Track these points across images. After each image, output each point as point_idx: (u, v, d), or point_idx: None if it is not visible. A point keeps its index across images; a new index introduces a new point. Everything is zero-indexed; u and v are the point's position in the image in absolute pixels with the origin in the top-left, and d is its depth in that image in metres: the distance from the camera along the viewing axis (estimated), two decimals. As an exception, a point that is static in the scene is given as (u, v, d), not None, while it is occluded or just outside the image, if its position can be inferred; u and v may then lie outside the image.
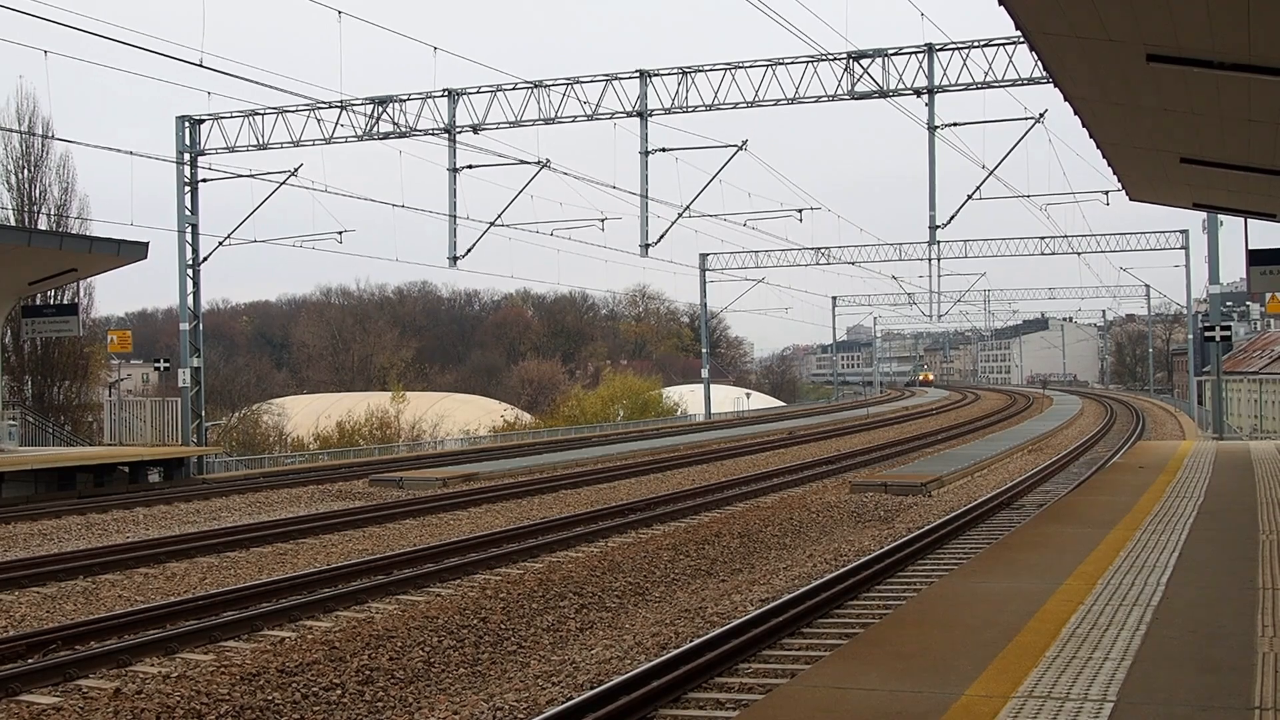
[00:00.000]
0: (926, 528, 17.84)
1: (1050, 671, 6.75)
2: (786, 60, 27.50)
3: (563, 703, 8.99)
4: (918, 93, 26.77)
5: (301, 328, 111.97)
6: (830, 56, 26.98)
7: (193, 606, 12.46)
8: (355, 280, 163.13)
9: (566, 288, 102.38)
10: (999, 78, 26.00)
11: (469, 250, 31.95)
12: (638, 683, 9.13)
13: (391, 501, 23.01)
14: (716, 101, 28.10)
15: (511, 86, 29.13)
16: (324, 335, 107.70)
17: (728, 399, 78.14)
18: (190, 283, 31.45)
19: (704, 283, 64.86)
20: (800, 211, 38.58)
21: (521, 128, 29.34)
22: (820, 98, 27.44)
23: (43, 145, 41.94)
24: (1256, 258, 24.11)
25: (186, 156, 31.13)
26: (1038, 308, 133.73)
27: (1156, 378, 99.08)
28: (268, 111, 30.39)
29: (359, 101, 29.90)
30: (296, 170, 30.00)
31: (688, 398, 75.52)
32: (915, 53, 26.73)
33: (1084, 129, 14.86)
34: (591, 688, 9.45)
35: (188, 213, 31.13)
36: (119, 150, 32.73)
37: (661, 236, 31.43)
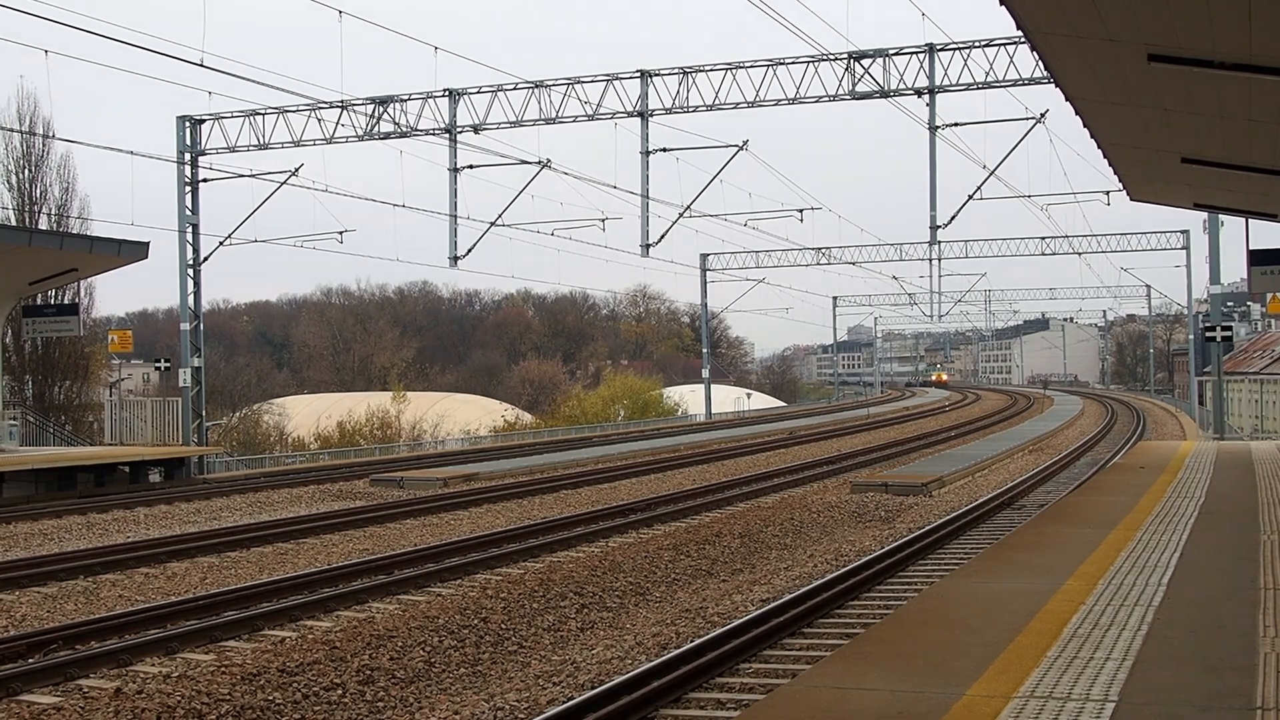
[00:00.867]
0: (927, 528, 17.83)
1: (1052, 672, 6.74)
2: (787, 60, 27.49)
3: (563, 703, 8.98)
4: (919, 93, 26.76)
5: (302, 328, 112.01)
6: (831, 56, 26.98)
7: (193, 606, 12.46)
8: (356, 280, 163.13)
9: (567, 288, 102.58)
10: (1000, 78, 25.99)
11: (470, 250, 31.95)
12: (638, 683, 9.13)
13: (392, 501, 23.00)
14: (717, 101, 28.09)
15: (512, 86, 29.12)
16: (324, 335, 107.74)
17: (728, 399, 78.13)
18: (191, 282, 31.45)
19: (704, 283, 64.84)
20: (801, 211, 38.53)
21: (522, 128, 29.35)
22: (821, 98, 27.43)
23: (43, 145, 41.95)
24: (1257, 258, 24.10)
25: (187, 156, 31.13)
26: (1038, 308, 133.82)
27: (1157, 378, 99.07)
28: (268, 111, 30.39)
29: (360, 101, 29.91)
30: (297, 170, 30.01)
31: (688, 398, 75.50)
32: (916, 53, 26.72)
33: (1085, 129, 14.85)
34: (592, 688, 9.45)
35: (188, 212, 31.13)
36: (120, 150, 32.76)
37: (662, 236, 31.43)
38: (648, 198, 30.33)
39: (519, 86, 29.09)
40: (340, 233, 31.91)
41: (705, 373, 65.30)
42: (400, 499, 23.58)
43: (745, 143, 30.73)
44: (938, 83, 26.48)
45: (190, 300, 31.47)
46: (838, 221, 50.84)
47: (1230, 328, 41.67)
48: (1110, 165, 18.35)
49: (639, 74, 28.61)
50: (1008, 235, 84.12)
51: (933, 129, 27.15)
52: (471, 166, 30.93)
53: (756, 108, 28.01)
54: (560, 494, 24.24)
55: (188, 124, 31.21)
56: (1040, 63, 15.01)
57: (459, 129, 29.72)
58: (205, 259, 31.67)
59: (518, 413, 70.97)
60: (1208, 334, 36.32)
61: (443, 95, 29.55)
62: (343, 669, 10.20)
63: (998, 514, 20.04)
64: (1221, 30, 9.65)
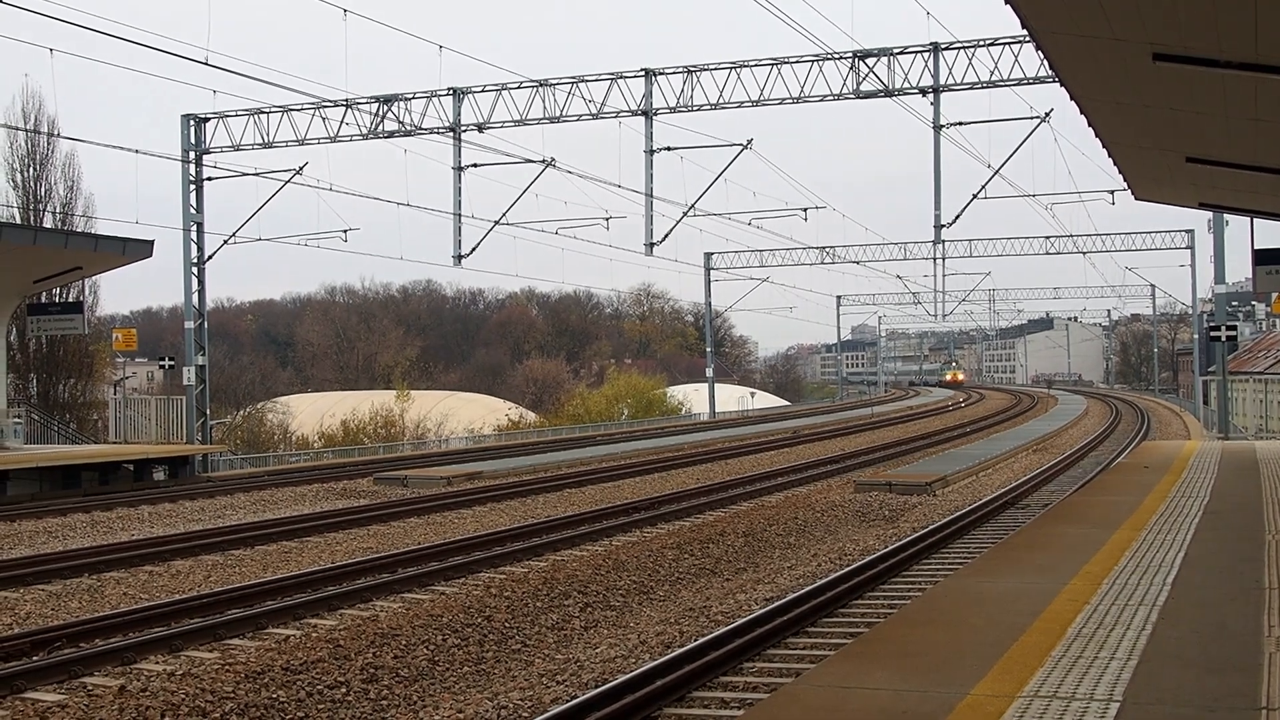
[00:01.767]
0: (931, 527, 17.82)
1: (1056, 671, 6.73)
2: (792, 59, 27.48)
3: (567, 701, 8.98)
4: (923, 92, 26.74)
5: (306, 326, 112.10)
6: (835, 55, 26.96)
7: (197, 604, 12.47)
8: (360, 279, 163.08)
9: (571, 286, 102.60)
10: (1004, 77, 25.97)
11: (474, 249, 31.98)
12: (642, 681, 9.13)
13: (396, 500, 23.02)
14: (721, 100, 28.08)
15: (516, 85, 29.13)
16: (329, 334, 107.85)
17: (732, 398, 78.13)
18: (195, 281, 31.48)
19: (709, 281, 64.83)
20: (805, 210, 38.53)
21: (526, 126, 29.35)
22: (825, 97, 27.42)
23: (48, 143, 42.01)
24: (1262, 257, 24.05)
25: (192, 155, 31.15)
26: (1042, 307, 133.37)
27: (1161, 378, 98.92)
28: (273, 110, 30.41)
29: (364, 100, 29.92)
30: (302, 169, 30.03)
31: (692, 397, 75.50)
32: (921, 52, 26.70)
33: (1089, 128, 14.83)
34: (596, 686, 9.45)
35: (193, 211, 31.15)
36: (124, 148, 32.82)
37: (666, 235, 31.44)
38: (652, 196, 30.35)
39: (523, 85, 29.09)
40: (344, 231, 31.96)
41: (709, 372, 65.32)
42: (404, 498, 23.59)
43: (749, 142, 30.75)
44: (942, 82, 26.45)
45: (194, 299, 31.50)
46: (842, 220, 51.04)
47: (1235, 327, 41.60)
48: (1115, 164, 18.32)
49: (643, 73, 28.60)
50: (1012, 234, 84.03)
51: (937, 128, 27.13)
52: (476, 165, 30.98)
53: (761, 107, 28.02)
54: (564, 493, 24.24)
55: (192, 122, 31.23)
56: (1045, 62, 15.01)
57: (463, 128, 29.74)
58: (209, 257, 31.70)
59: (521, 411, 70.99)
60: (1212, 333, 36.26)
61: (447, 94, 29.56)
62: (347, 667, 10.20)
63: (1002, 513, 20.02)
64: (1227, 29, 9.63)
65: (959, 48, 26.36)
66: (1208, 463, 21.26)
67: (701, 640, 10.46)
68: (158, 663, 10.35)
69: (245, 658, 10.40)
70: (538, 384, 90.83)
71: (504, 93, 29.23)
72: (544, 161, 30.17)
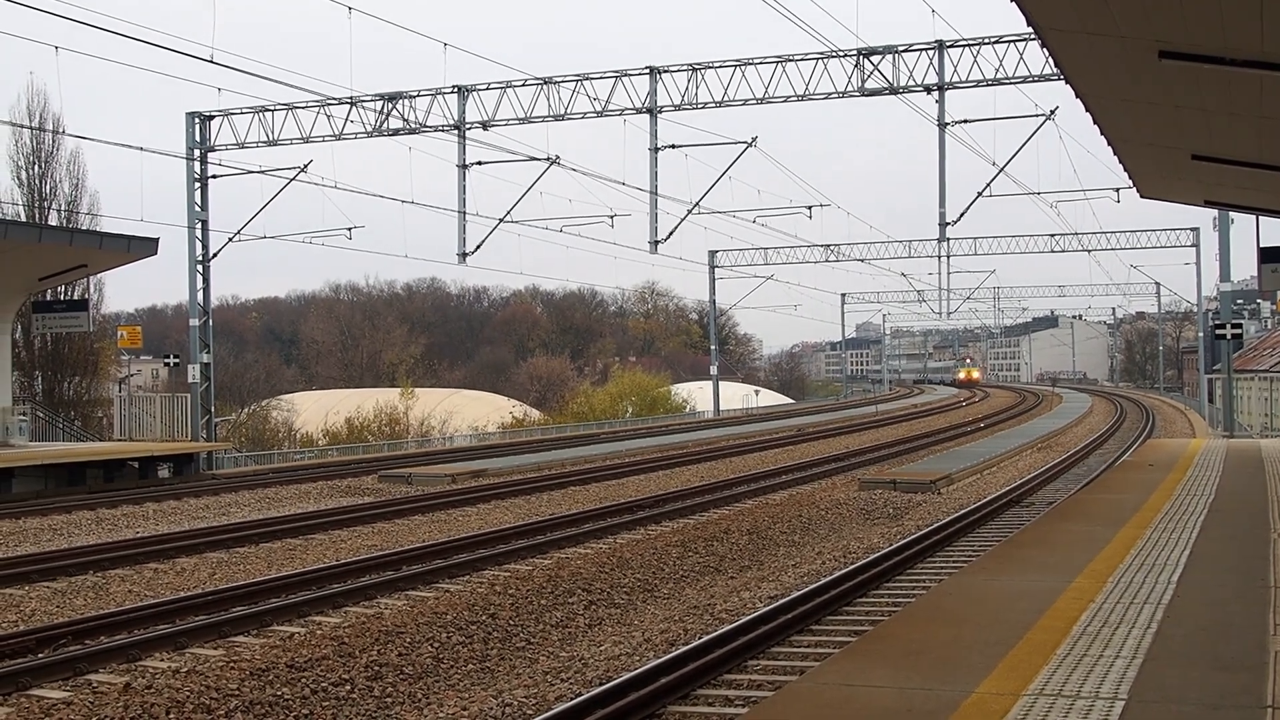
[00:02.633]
0: (936, 525, 17.80)
1: (1061, 669, 6.72)
2: (796, 57, 27.47)
3: (571, 699, 8.98)
4: (928, 89, 26.71)
5: (311, 324, 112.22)
6: (840, 53, 26.94)
7: (202, 602, 12.48)
8: (364, 276, 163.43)
9: (575, 284, 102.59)
10: (1010, 74, 25.95)
11: (478, 247, 31.98)
12: (646, 679, 9.12)
13: (401, 497, 23.03)
14: (726, 98, 28.07)
15: (521, 83, 29.13)
16: (333, 331, 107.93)
17: (736, 396, 78.15)
18: (200, 278, 31.53)
19: (713, 279, 64.84)
20: (810, 208, 38.50)
21: (531, 124, 29.37)
22: (830, 94, 27.42)
23: (53, 141, 42.07)
24: (1268, 255, 24.02)
25: (197, 152, 31.19)
26: (1047, 305, 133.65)
27: (1166, 376, 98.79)
28: (278, 107, 30.43)
29: (369, 98, 29.92)
30: (306, 166, 30.06)
31: (696, 395, 75.50)
32: (926, 49, 26.68)
33: (1095, 126, 14.80)
34: (600, 684, 9.45)
35: (198, 208, 31.20)
36: (129, 146, 32.90)
37: (671, 233, 31.48)
38: (656, 194, 30.34)
39: (528, 83, 29.10)
40: (349, 229, 31.97)
41: (713, 369, 65.33)
42: (409, 495, 23.61)
43: (754, 139, 30.75)
44: (947, 79, 26.44)
45: (199, 296, 31.55)
46: (846, 218, 51.12)
47: (1240, 325, 41.46)
48: (1120, 162, 18.29)
49: (648, 70, 28.60)
50: (1017, 232, 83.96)
51: (942, 126, 27.12)
52: (480, 163, 30.99)
53: (765, 104, 28.03)
54: (568, 490, 24.24)
55: (197, 120, 31.27)
56: (1050, 59, 14.98)
57: (468, 125, 29.75)
58: (214, 255, 31.75)
59: (526, 409, 71.01)
60: (1217, 331, 36.17)
61: (452, 91, 29.57)
62: (351, 665, 10.21)
63: (1006, 511, 20.00)
64: (1233, 26, 9.61)
65: (964, 45, 26.33)
66: (1213, 461, 21.23)
67: (706, 638, 10.46)
68: (163, 660, 10.36)
69: (250, 655, 10.41)
70: (542, 382, 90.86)
71: (509, 90, 29.24)
72: (548, 159, 30.19)
